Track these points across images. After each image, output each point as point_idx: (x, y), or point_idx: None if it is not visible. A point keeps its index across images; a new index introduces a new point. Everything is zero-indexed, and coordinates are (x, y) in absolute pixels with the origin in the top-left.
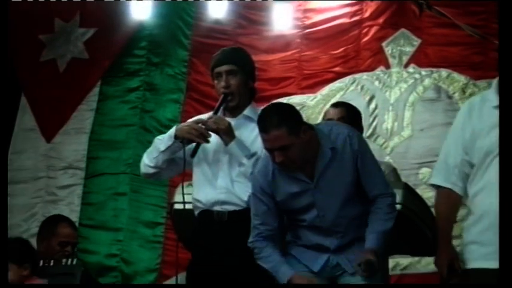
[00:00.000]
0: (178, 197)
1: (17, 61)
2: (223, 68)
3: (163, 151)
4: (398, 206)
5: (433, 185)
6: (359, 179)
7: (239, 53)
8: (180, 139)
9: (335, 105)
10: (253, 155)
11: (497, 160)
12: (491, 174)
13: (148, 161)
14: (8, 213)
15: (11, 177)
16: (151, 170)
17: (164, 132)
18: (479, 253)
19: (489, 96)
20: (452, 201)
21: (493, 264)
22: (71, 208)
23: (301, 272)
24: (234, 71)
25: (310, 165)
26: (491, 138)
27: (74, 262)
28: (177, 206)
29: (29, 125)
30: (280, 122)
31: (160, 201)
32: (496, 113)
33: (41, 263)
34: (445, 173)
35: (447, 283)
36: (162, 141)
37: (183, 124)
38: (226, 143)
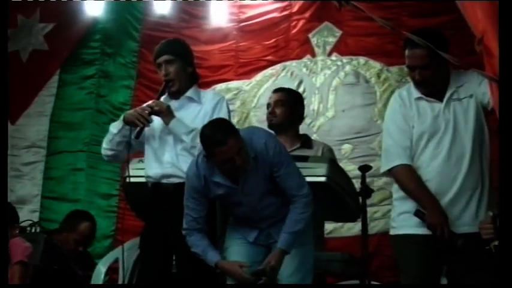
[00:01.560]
0: (130, 172)
1: None
2: (162, 59)
3: (115, 133)
4: (323, 179)
5: (389, 171)
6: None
7: (175, 44)
8: (128, 123)
9: (276, 90)
10: (192, 130)
11: (431, 142)
12: (425, 157)
13: (105, 144)
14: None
15: None
16: (109, 152)
17: (117, 115)
18: (410, 221)
19: (411, 90)
20: (410, 173)
21: (422, 231)
22: (33, 182)
23: (237, 240)
24: (171, 60)
25: (245, 164)
26: (422, 125)
27: (38, 230)
28: (131, 179)
29: None
30: (230, 130)
31: (114, 176)
32: (418, 103)
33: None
34: (398, 155)
35: (456, 241)
36: (114, 125)
37: (130, 110)
38: (166, 123)
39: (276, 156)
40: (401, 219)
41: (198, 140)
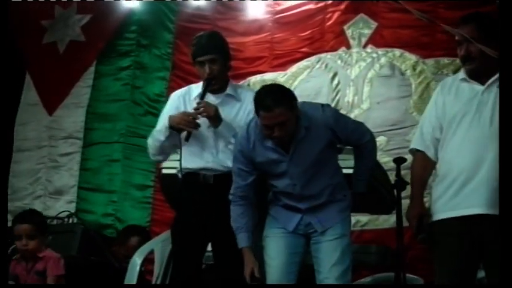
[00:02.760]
0: (166, 163)
1: (22, 43)
2: (205, 58)
3: (163, 140)
4: None
5: (411, 151)
6: (334, 148)
7: (216, 41)
8: (175, 129)
9: None
10: (237, 133)
11: (461, 124)
12: (458, 137)
13: (154, 151)
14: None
15: (18, 146)
16: (160, 157)
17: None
18: (444, 206)
19: (459, 74)
20: (425, 164)
21: (456, 213)
22: (70, 173)
23: (276, 229)
24: (214, 59)
25: (288, 138)
26: (456, 106)
27: (75, 221)
28: (165, 171)
29: (33, 100)
30: (281, 100)
31: (150, 167)
32: (460, 85)
33: None
34: (419, 139)
35: (416, 236)
36: (161, 132)
37: (174, 115)
38: (215, 127)
39: (334, 118)
40: (437, 205)
41: None
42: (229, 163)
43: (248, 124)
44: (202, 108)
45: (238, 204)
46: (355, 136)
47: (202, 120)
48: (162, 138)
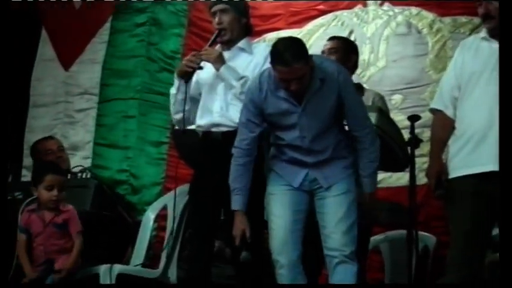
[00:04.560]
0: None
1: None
2: (217, 7)
3: (176, 93)
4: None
5: (431, 110)
6: (342, 109)
7: None
8: (181, 75)
9: (330, 38)
10: (242, 77)
11: (478, 83)
12: (475, 95)
13: (172, 110)
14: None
15: (34, 101)
16: (178, 116)
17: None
18: (460, 163)
19: (480, 33)
20: (444, 123)
21: (471, 170)
22: (86, 129)
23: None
24: (226, 9)
25: (302, 90)
26: (475, 64)
27: (88, 176)
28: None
29: (48, 55)
30: (300, 55)
31: (165, 123)
32: (480, 43)
33: None
34: (439, 98)
35: (435, 192)
36: (172, 87)
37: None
38: (217, 69)
39: (346, 80)
40: (453, 162)
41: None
42: (236, 117)
43: (261, 74)
44: (203, 52)
45: (239, 164)
46: (357, 117)
47: (210, 74)
48: (174, 91)
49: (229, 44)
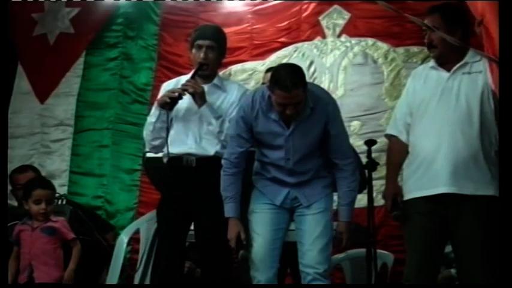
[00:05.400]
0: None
1: (13, 35)
2: (206, 43)
3: (155, 121)
4: None
5: (386, 136)
6: (327, 137)
7: (220, 33)
8: (162, 105)
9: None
10: (219, 117)
11: (427, 109)
12: (424, 121)
13: (148, 136)
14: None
15: (11, 132)
16: (155, 142)
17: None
18: (413, 186)
19: (430, 62)
20: (398, 148)
21: (423, 193)
22: (62, 158)
23: (263, 205)
24: (213, 47)
25: (295, 116)
26: (424, 92)
27: (64, 202)
28: (149, 155)
29: (25, 89)
30: (300, 82)
31: (137, 152)
32: (429, 72)
33: None
34: (393, 125)
35: (391, 213)
36: (152, 115)
37: (162, 94)
38: (199, 105)
39: (335, 111)
40: (407, 185)
41: (225, 126)
42: (210, 149)
43: (253, 94)
44: (189, 85)
45: (229, 174)
46: (341, 146)
47: (188, 106)
48: (153, 119)
49: (206, 79)
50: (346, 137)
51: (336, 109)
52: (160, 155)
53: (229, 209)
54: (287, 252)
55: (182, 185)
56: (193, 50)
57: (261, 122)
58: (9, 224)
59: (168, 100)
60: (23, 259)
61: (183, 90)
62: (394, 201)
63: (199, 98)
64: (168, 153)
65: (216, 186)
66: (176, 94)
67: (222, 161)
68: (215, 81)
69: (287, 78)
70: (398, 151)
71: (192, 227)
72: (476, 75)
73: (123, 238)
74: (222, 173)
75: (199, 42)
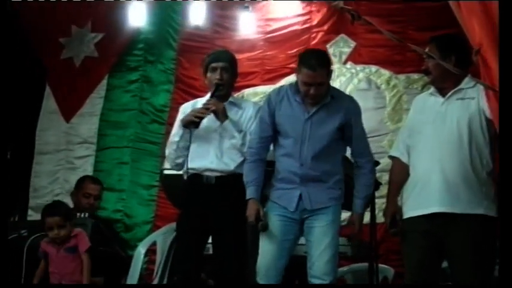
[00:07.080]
0: (167, 165)
1: (43, 58)
2: (220, 64)
3: (178, 140)
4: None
5: (389, 157)
6: (342, 135)
7: (231, 56)
8: (186, 125)
9: None
10: (241, 130)
11: (423, 133)
12: (420, 144)
13: (172, 155)
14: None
15: (39, 149)
16: (179, 160)
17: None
18: (410, 205)
19: (430, 90)
20: (400, 168)
21: (418, 212)
22: (85, 174)
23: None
24: (227, 68)
25: (318, 99)
26: (421, 116)
27: (86, 215)
28: (167, 172)
29: (52, 108)
30: (325, 63)
31: (155, 169)
32: (428, 98)
33: None
34: (396, 147)
35: (389, 230)
36: (175, 134)
37: (186, 114)
38: (221, 121)
39: (358, 109)
40: (405, 205)
41: (247, 138)
42: (232, 164)
43: (280, 87)
44: (211, 103)
45: (250, 161)
46: (361, 146)
47: (208, 124)
48: (177, 138)
49: (222, 98)
50: (365, 137)
51: (359, 109)
52: (179, 172)
53: (249, 192)
54: (296, 265)
55: (202, 202)
56: (208, 74)
57: (284, 104)
58: (33, 237)
59: (196, 120)
60: (53, 278)
61: (206, 109)
62: (393, 219)
63: (222, 114)
64: (188, 169)
65: (235, 203)
66: (203, 111)
67: (244, 149)
68: (231, 99)
69: (313, 57)
70: (399, 172)
71: (209, 240)
72: (469, 101)
73: (141, 250)
74: (245, 162)
75: (214, 64)
